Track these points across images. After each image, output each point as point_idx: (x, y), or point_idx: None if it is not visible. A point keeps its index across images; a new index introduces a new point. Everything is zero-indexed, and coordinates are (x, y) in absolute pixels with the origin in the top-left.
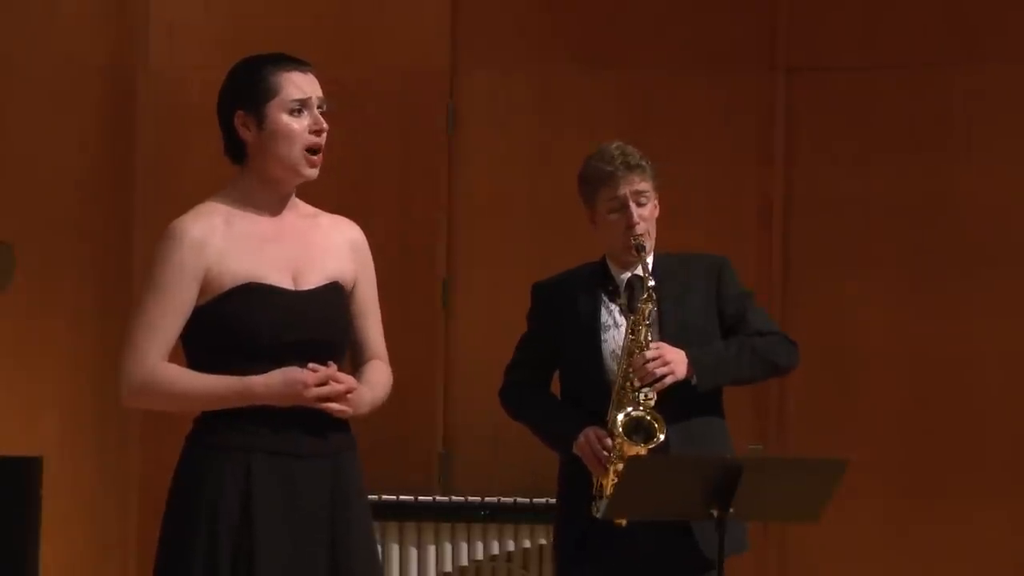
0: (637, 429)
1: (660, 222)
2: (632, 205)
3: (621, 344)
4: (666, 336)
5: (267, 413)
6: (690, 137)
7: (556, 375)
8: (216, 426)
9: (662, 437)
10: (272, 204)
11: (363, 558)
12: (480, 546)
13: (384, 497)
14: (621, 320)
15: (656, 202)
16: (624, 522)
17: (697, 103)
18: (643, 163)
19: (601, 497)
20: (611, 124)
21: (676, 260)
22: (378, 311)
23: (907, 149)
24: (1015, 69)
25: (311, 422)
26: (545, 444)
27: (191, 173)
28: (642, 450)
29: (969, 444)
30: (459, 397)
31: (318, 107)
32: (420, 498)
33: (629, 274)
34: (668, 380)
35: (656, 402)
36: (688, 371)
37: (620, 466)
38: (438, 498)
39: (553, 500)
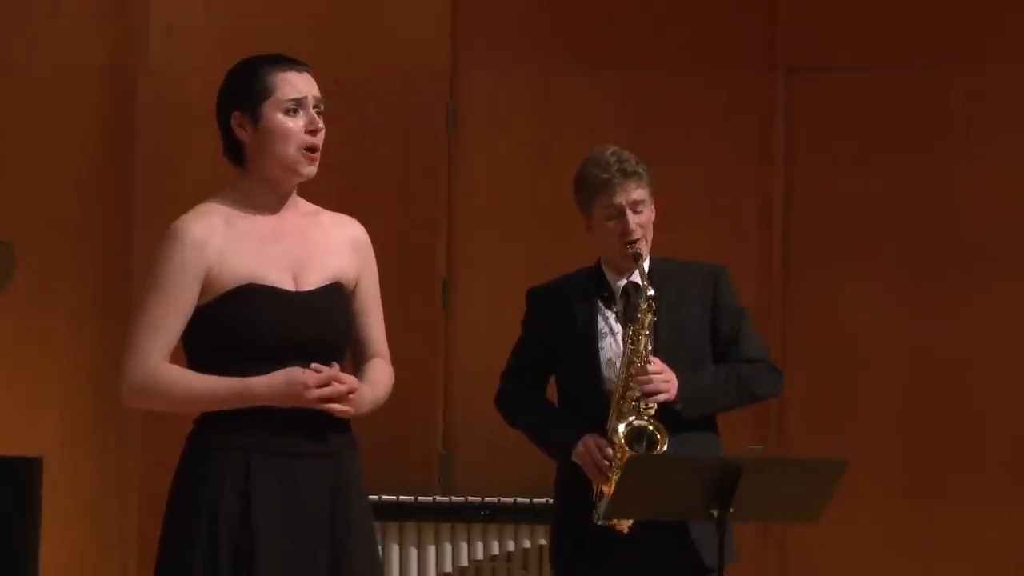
0: (639, 439)
1: (659, 223)
2: (629, 213)
3: (617, 351)
4: (659, 339)
5: (267, 414)
6: (690, 137)
7: (551, 381)
8: (216, 426)
9: (665, 447)
10: (272, 204)
11: (363, 558)
12: (480, 546)
13: (384, 497)
14: (617, 327)
15: (652, 207)
16: (626, 529)
17: (697, 103)
18: (639, 169)
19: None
20: (611, 124)
21: (673, 265)
22: (380, 310)
23: (906, 149)
24: (1015, 69)
25: (312, 422)
26: (542, 451)
27: (191, 173)
28: None
29: (969, 444)
30: (459, 397)
31: (315, 107)
32: (420, 498)
33: (625, 281)
34: (660, 398)
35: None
36: (675, 396)
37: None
38: (438, 498)
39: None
